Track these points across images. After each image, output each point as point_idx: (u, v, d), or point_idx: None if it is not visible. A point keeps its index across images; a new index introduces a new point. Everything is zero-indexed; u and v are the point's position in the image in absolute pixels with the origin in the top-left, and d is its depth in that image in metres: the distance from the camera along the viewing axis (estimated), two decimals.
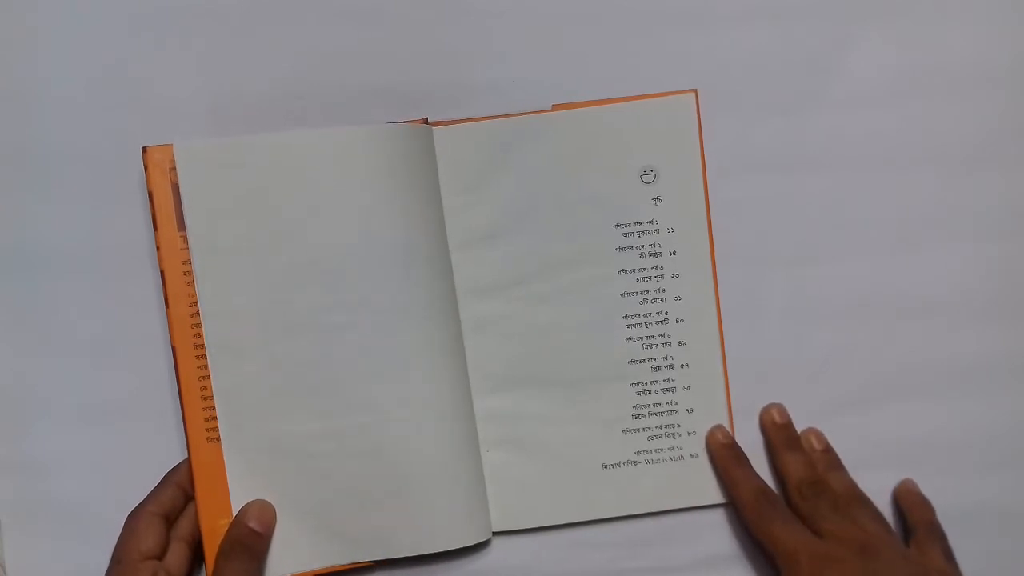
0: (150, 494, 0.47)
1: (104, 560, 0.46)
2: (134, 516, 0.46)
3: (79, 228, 0.51)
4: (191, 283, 0.48)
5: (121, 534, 0.46)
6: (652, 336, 0.51)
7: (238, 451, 0.48)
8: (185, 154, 0.47)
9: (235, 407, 0.48)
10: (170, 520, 0.47)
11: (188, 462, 0.48)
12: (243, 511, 0.47)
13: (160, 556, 0.46)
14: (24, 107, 0.51)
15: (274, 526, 0.47)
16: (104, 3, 0.51)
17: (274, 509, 0.48)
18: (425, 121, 0.50)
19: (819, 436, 0.51)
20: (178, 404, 0.49)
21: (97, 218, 0.51)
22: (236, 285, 0.47)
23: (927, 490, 0.51)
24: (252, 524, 0.47)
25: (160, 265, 0.48)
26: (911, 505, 0.50)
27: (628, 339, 0.51)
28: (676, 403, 0.51)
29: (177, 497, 0.47)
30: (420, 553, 0.48)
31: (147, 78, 0.51)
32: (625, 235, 0.51)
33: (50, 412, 0.51)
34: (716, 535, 0.51)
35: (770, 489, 0.49)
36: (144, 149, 0.48)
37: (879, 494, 0.51)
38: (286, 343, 0.47)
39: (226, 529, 0.47)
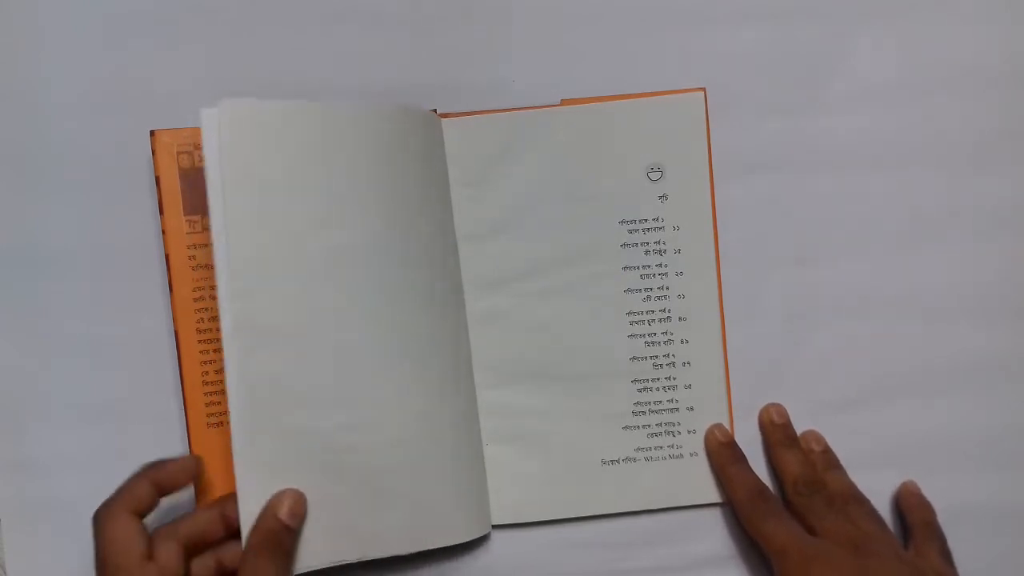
0: (121, 489, 0.44)
1: None
2: (109, 518, 0.43)
3: (79, 228, 0.51)
4: (195, 268, 0.48)
5: (103, 538, 0.43)
6: (654, 333, 0.51)
7: (250, 441, 0.44)
8: (230, 112, 0.44)
9: (252, 395, 0.44)
10: (143, 517, 0.44)
11: (169, 461, 0.46)
12: (275, 503, 0.44)
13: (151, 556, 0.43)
14: (24, 107, 0.51)
15: (304, 520, 0.44)
16: (105, 3, 0.51)
17: (306, 500, 0.44)
18: (434, 112, 0.50)
19: (818, 438, 0.51)
20: (179, 403, 0.49)
21: (97, 218, 0.51)
22: (268, 266, 0.44)
23: (926, 490, 0.51)
24: (284, 517, 0.44)
25: (165, 249, 0.48)
26: (911, 506, 0.50)
27: (630, 336, 0.51)
28: (677, 401, 0.51)
29: (151, 494, 0.44)
30: (425, 548, 0.47)
31: (148, 78, 0.51)
32: (630, 232, 0.51)
33: (50, 412, 0.50)
34: (715, 535, 0.51)
35: (766, 488, 0.49)
36: (152, 132, 0.48)
37: (879, 494, 0.51)
38: (313, 330, 0.45)
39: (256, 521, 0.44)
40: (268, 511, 0.44)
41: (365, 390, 0.46)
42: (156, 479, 0.45)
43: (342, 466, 0.46)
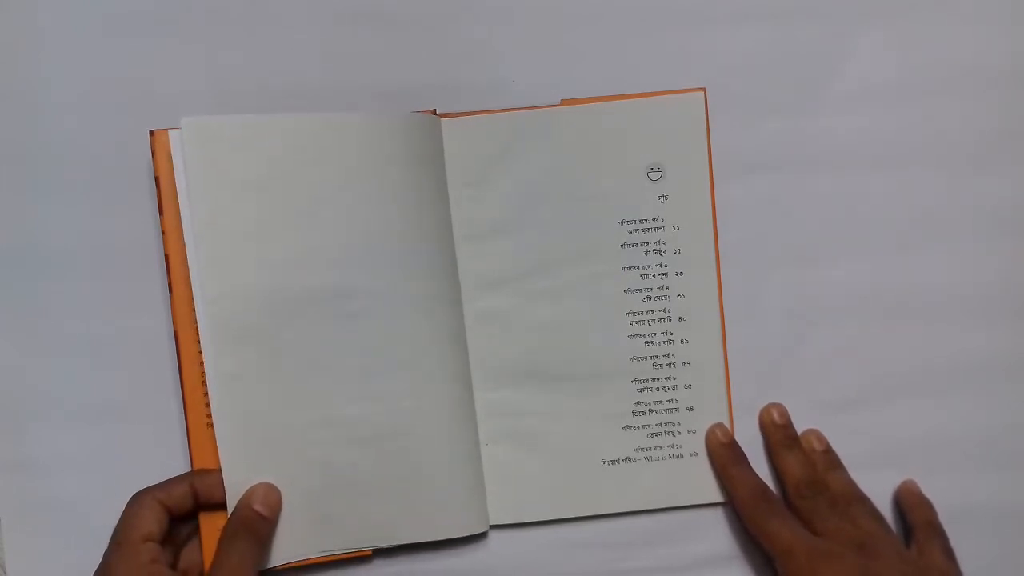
0: (162, 482, 0.47)
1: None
2: (136, 498, 0.45)
3: (79, 228, 0.51)
4: None
5: (123, 513, 0.45)
6: (655, 333, 0.51)
7: (233, 437, 0.47)
8: (194, 130, 0.47)
9: (232, 393, 0.47)
10: (172, 514, 0.46)
11: (215, 471, 0.47)
12: (249, 494, 0.47)
13: (160, 540, 0.45)
14: (24, 107, 0.51)
15: (279, 510, 0.47)
16: (105, 3, 0.51)
17: (279, 492, 0.47)
18: (433, 112, 0.50)
19: (819, 437, 0.51)
20: (178, 403, 0.49)
21: (97, 218, 0.51)
22: (240, 268, 0.47)
23: (927, 490, 0.51)
24: (257, 507, 0.46)
25: (165, 249, 0.48)
26: (912, 505, 0.50)
27: (631, 336, 0.51)
28: (677, 401, 0.51)
29: (186, 496, 0.46)
30: (416, 541, 0.48)
31: (148, 78, 0.51)
32: (630, 232, 0.51)
33: (50, 412, 0.51)
34: (715, 535, 0.51)
35: (768, 488, 0.50)
36: (151, 133, 0.48)
37: (879, 494, 0.51)
38: (289, 329, 0.47)
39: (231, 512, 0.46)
40: (243, 501, 0.46)
41: (343, 388, 0.48)
42: (196, 485, 0.47)
43: (324, 460, 0.48)
